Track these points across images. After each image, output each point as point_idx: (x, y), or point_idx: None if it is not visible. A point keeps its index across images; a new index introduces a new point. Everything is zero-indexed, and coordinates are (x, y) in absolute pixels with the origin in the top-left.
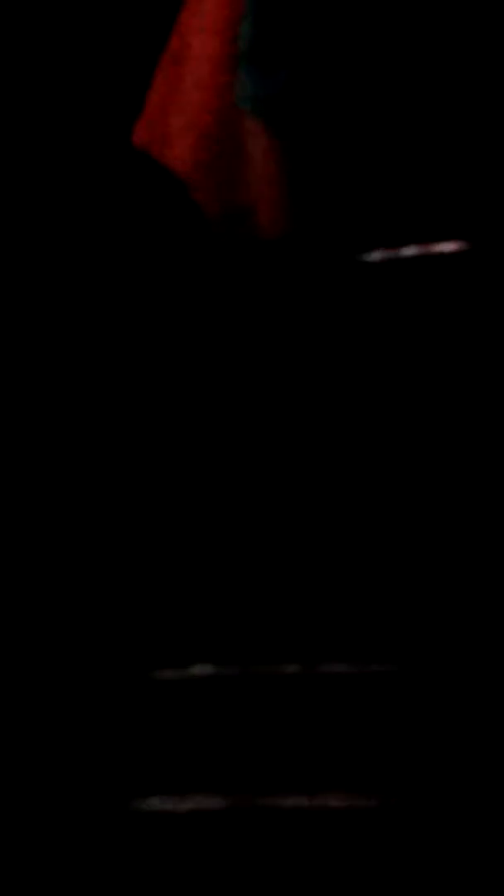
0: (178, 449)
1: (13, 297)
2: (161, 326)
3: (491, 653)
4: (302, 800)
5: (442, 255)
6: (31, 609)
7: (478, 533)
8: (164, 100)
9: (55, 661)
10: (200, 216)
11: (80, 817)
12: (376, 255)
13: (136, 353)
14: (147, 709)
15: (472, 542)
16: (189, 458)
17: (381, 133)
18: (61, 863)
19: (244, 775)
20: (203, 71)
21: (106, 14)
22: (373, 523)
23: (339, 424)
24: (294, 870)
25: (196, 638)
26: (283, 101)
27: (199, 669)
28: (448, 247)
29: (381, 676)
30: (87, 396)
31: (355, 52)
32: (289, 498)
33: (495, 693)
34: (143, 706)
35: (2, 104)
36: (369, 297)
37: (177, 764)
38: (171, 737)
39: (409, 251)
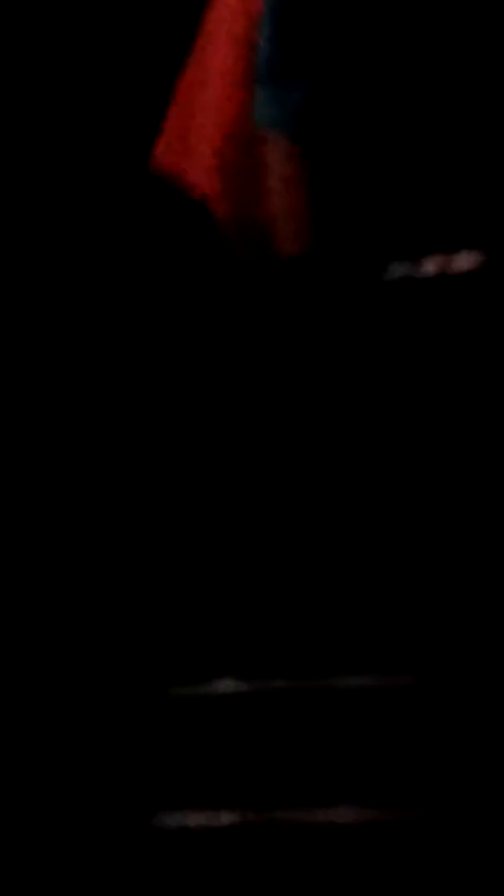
0: (198, 467)
1: (35, 316)
2: (181, 346)
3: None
4: (319, 814)
5: (462, 270)
6: (49, 626)
7: (489, 546)
8: (182, 122)
9: (73, 677)
10: (219, 236)
11: (97, 833)
12: (396, 272)
13: (155, 372)
14: (164, 724)
15: (484, 555)
16: (210, 476)
17: (398, 148)
18: (78, 878)
19: (262, 790)
20: (221, 91)
21: (125, 38)
22: (391, 542)
23: (359, 439)
24: (310, 884)
25: (214, 654)
26: (301, 119)
27: (217, 686)
28: (467, 261)
29: (400, 690)
30: (113, 414)
31: (372, 68)
32: (308, 517)
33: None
34: (160, 722)
35: (23, 128)
36: (389, 314)
37: (195, 780)
38: (188, 752)
39: (429, 267)
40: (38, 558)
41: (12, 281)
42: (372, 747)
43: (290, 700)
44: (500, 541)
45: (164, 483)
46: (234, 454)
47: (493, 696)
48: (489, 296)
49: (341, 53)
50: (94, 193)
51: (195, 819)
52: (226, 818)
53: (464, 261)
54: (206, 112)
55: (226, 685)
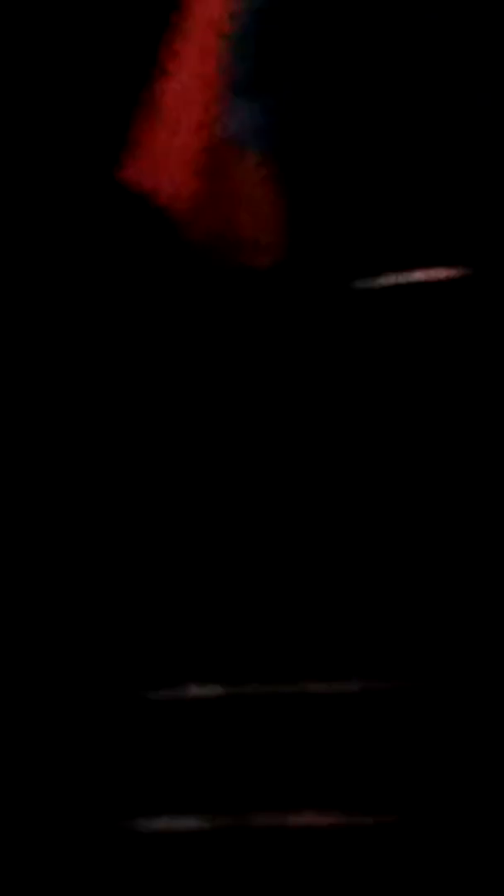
0: (172, 471)
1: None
2: (154, 359)
3: (488, 667)
4: (294, 819)
5: (439, 281)
6: (21, 630)
7: (463, 556)
8: (149, 135)
9: (47, 681)
10: (192, 248)
11: (71, 837)
12: (372, 282)
13: (128, 383)
14: (141, 728)
15: (459, 560)
16: (181, 479)
17: (374, 158)
18: (51, 884)
19: (240, 795)
20: (191, 100)
21: (92, 47)
22: (364, 546)
23: (334, 447)
24: (285, 888)
25: (191, 658)
26: (272, 131)
27: (195, 690)
28: (445, 273)
29: (380, 694)
30: (79, 426)
31: (345, 81)
32: (282, 519)
33: (492, 709)
34: (137, 726)
35: None
36: (365, 324)
37: (171, 784)
38: (164, 757)
39: (406, 277)
40: (10, 561)
41: None
42: (347, 752)
43: (270, 704)
44: (471, 547)
45: (137, 488)
46: (210, 459)
47: (470, 700)
48: (463, 308)
49: (313, 66)
50: (63, 203)
51: (170, 823)
52: (201, 822)
53: (437, 273)
54: (177, 122)
55: (203, 689)
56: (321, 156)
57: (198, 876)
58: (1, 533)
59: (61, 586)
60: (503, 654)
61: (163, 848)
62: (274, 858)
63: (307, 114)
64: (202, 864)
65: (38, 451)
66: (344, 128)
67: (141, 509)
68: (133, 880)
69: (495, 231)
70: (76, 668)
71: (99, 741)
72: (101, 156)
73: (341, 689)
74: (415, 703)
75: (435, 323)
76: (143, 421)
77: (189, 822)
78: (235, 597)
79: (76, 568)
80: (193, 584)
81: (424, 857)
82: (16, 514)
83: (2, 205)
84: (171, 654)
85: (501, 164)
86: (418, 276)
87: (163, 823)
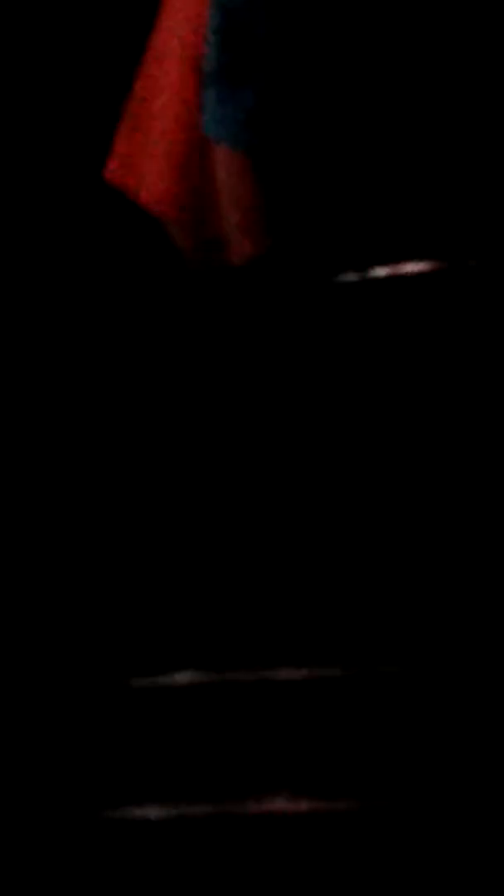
0: (154, 462)
1: None
2: (136, 358)
3: (469, 652)
4: (283, 805)
5: (414, 274)
6: (5, 618)
7: (445, 542)
8: (132, 135)
9: (31, 670)
10: (172, 246)
11: (55, 827)
12: (350, 277)
13: (111, 383)
14: (125, 717)
15: (440, 548)
16: (164, 470)
17: (351, 153)
18: (36, 874)
19: (224, 782)
20: (171, 101)
21: (75, 49)
22: (346, 532)
23: (315, 443)
24: (274, 875)
25: (175, 645)
26: (250, 126)
27: (179, 677)
28: (420, 267)
29: (371, 680)
30: (65, 424)
31: (321, 75)
32: (265, 508)
33: (472, 695)
34: (120, 714)
35: None
36: (343, 319)
37: (155, 772)
38: (148, 745)
39: (382, 272)
40: None
41: None
42: (339, 737)
43: (256, 691)
44: (452, 533)
45: (122, 478)
46: (192, 452)
47: (430, 686)
48: (441, 302)
49: (289, 59)
50: (45, 204)
51: (154, 812)
52: (186, 810)
53: (415, 267)
54: (157, 124)
55: (187, 676)
56: (299, 149)
57: (182, 864)
58: None
59: (46, 575)
60: (486, 640)
61: (146, 836)
62: (263, 845)
63: (285, 108)
64: (187, 852)
65: (20, 435)
66: (322, 121)
67: (126, 499)
68: (116, 869)
69: (477, 222)
70: (60, 656)
71: (82, 730)
72: (88, 156)
73: (324, 675)
74: (395, 689)
75: (419, 317)
76: (126, 414)
77: (173, 811)
78: (219, 583)
79: (61, 556)
80: (177, 571)
81: (403, 843)
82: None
83: None
84: (154, 641)
85: (485, 155)
86: (401, 269)
87: (147, 812)
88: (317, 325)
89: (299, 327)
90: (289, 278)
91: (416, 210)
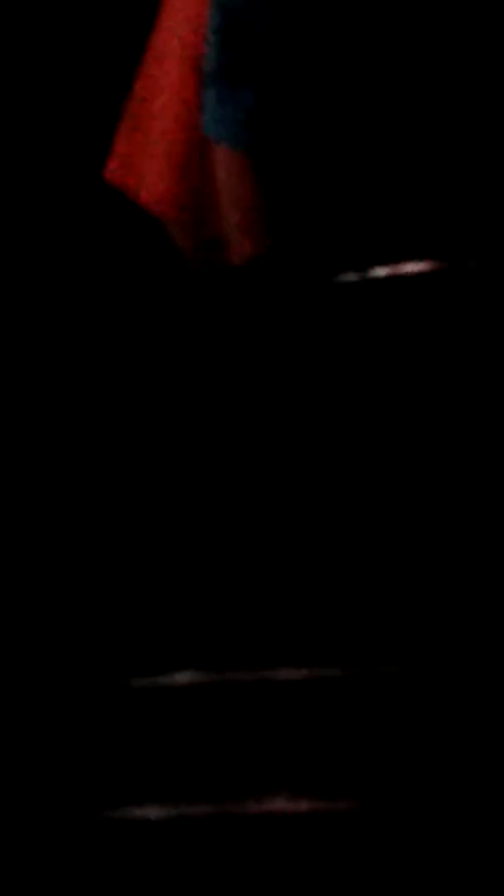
0: (152, 460)
1: None
2: (135, 356)
3: (467, 652)
4: (283, 805)
5: (414, 274)
6: (4, 617)
7: (441, 541)
8: (132, 135)
9: (30, 670)
10: (172, 246)
11: (54, 827)
12: (350, 277)
13: (110, 382)
14: (125, 717)
15: (436, 547)
16: (162, 469)
17: (351, 153)
18: (35, 874)
19: (224, 782)
20: (171, 101)
21: (76, 50)
22: (343, 532)
23: (312, 441)
24: (273, 875)
25: (175, 645)
26: (250, 126)
27: (179, 677)
28: (420, 266)
29: (374, 680)
30: (64, 423)
31: (320, 75)
32: (262, 509)
33: (469, 695)
34: (120, 714)
35: None
36: (343, 319)
37: (155, 772)
38: (149, 745)
39: (382, 272)
40: None
41: None
42: (337, 737)
43: (255, 691)
44: (448, 532)
45: (120, 476)
46: (189, 451)
47: (430, 686)
48: (441, 302)
49: (289, 60)
50: (45, 204)
51: (153, 812)
52: (185, 810)
53: (415, 267)
54: (157, 124)
55: (187, 676)
56: (299, 149)
57: (182, 864)
58: None
59: (45, 574)
60: (483, 640)
61: (144, 837)
62: (263, 845)
63: (285, 107)
64: (187, 852)
65: (19, 434)
66: (322, 121)
67: (125, 498)
68: (116, 868)
69: (477, 222)
70: (60, 655)
71: (82, 730)
72: (88, 156)
73: (324, 675)
74: (395, 689)
75: (419, 317)
76: (125, 413)
77: (173, 811)
78: (219, 583)
79: (60, 555)
80: (177, 570)
81: (403, 843)
82: None
83: None
84: (154, 641)
85: (484, 155)
86: (401, 269)
87: (147, 812)
88: (316, 324)
89: (299, 327)
90: (289, 278)
91: (416, 210)
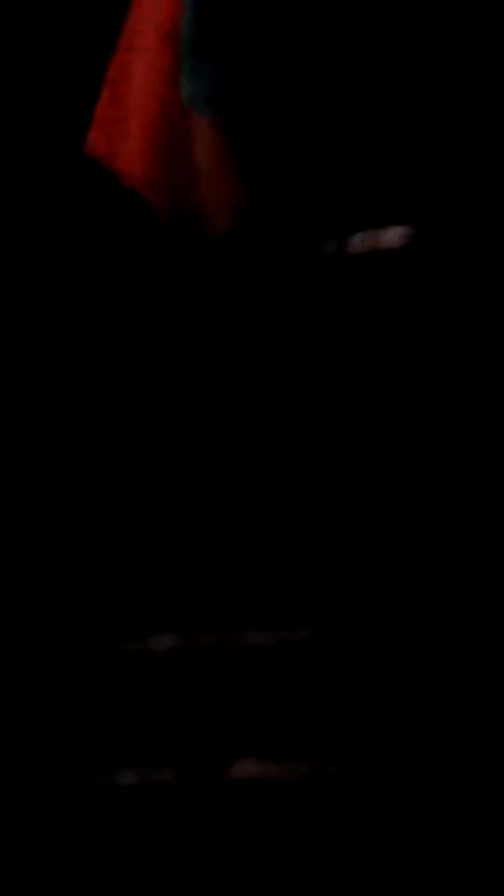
0: (139, 434)
1: None
2: (117, 330)
3: (436, 618)
4: (265, 769)
5: (392, 244)
6: None
7: (411, 511)
8: (112, 108)
9: (16, 636)
10: (152, 218)
11: (42, 792)
12: (327, 247)
13: (92, 355)
14: (112, 681)
15: (404, 516)
16: (150, 442)
17: (327, 123)
18: (23, 839)
19: (209, 747)
20: (148, 75)
21: (54, 25)
22: (319, 501)
23: (296, 416)
24: (255, 839)
25: (160, 609)
26: (226, 95)
27: (164, 641)
28: (398, 235)
29: (345, 643)
30: (50, 399)
31: (295, 43)
32: (242, 478)
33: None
34: (108, 678)
35: None
36: (322, 289)
37: (142, 737)
38: (136, 709)
39: (359, 241)
40: None
41: None
42: (320, 701)
43: (240, 655)
44: (420, 502)
45: (107, 451)
46: (175, 427)
47: (398, 653)
48: (420, 270)
49: (265, 29)
50: (25, 179)
51: (141, 777)
52: (172, 775)
53: (393, 235)
54: (136, 97)
55: (171, 640)
56: (275, 118)
57: (166, 828)
58: None
59: (31, 543)
60: (450, 604)
61: (132, 801)
62: (237, 809)
63: (260, 76)
64: (163, 816)
65: (7, 410)
66: (297, 89)
67: (110, 470)
68: (102, 834)
69: (453, 192)
70: (46, 622)
71: (70, 694)
72: (69, 129)
73: (297, 638)
74: (391, 652)
75: (397, 286)
76: (107, 387)
77: (157, 775)
78: (205, 548)
79: (47, 524)
80: (161, 539)
81: (369, 807)
82: None
83: None
84: (138, 606)
85: (461, 123)
86: (379, 238)
87: (132, 777)
88: (297, 294)
89: (278, 297)
90: (268, 248)
91: (394, 180)
